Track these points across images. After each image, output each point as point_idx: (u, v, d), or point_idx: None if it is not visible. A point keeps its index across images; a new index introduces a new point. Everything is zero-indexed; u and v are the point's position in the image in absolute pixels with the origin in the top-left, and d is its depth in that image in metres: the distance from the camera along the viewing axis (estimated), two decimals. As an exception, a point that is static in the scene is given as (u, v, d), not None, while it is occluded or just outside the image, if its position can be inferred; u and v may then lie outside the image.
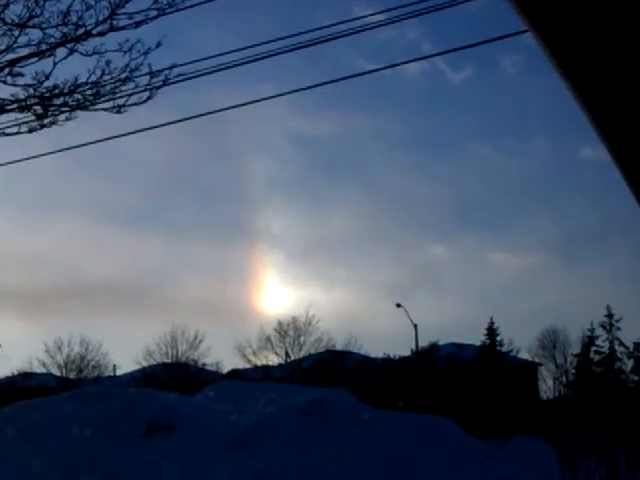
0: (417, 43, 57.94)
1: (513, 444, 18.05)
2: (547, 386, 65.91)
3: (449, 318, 79.87)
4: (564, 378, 64.24)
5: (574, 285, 75.84)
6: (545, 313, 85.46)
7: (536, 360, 65.15)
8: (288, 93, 20.89)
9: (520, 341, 70.22)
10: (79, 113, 19.64)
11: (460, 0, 15.52)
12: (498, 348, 59.53)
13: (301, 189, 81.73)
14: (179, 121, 20.57)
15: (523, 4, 1.29)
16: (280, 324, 63.10)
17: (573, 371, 61.82)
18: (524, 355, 63.43)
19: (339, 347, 62.07)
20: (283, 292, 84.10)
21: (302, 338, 62.79)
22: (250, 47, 17.14)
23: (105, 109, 19.44)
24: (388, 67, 24.62)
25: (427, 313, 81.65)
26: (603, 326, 58.11)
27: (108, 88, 19.27)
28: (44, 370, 63.93)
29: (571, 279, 77.07)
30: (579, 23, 1.27)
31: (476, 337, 60.58)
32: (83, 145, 20.52)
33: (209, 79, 18.06)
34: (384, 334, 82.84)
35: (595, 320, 58.20)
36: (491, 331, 59.49)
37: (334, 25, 17.14)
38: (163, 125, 20.06)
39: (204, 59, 17.75)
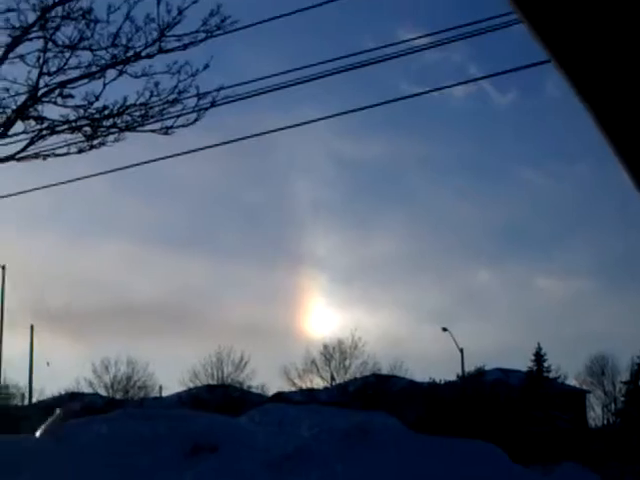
0: (463, 66, 57.71)
1: (559, 472, 17.86)
2: (596, 414, 65.18)
3: (495, 343, 79.21)
4: (613, 406, 63.50)
5: (623, 311, 75.11)
6: (593, 339, 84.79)
7: (584, 387, 64.45)
8: (334, 116, 20.91)
9: (568, 368, 69.25)
10: (127, 134, 19.79)
11: (503, 24, 15.46)
12: (545, 374, 58.94)
13: (346, 212, 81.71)
14: (225, 143, 20.64)
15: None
16: (326, 347, 63.04)
17: (622, 399, 61.10)
18: (572, 382, 62.82)
19: (385, 371, 61.89)
20: (328, 315, 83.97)
21: (348, 361, 62.67)
22: (296, 69, 17.20)
23: (153, 130, 19.55)
24: (433, 90, 24.51)
25: (473, 338, 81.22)
26: (653, 353, 57.52)
27: (156, 109, 19.40)
28: (91, 390, 64.33)
29: (620, 305, 76.32)
30: (577, 18, 1.27)
31: (523, 363, 60.02)
32: (131, 166, 20.68)
33: (256, 101, 18.12)
34: (430, 358, 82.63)
35: (646, 347, 57.58)
36: (538, 357, 58.93)
37: (379, 48, 17.17)
38: (209, 147, 20.15)
39: (251, 81, 17.85)
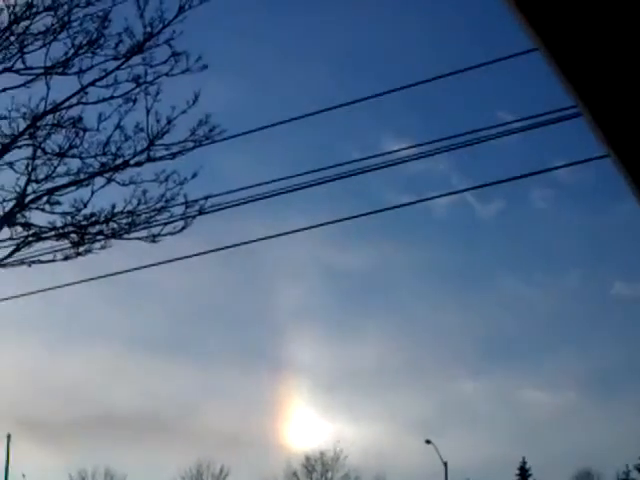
0: (447, 176, 58.36)
1: None
2: (581, 529, 64.18)
3: (480, 456, 77.98)
4: (599, 522, 62.58)
5: (608, 424, 74.20)
6: (579, 453, 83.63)
7: (570, 502, 63.65)
8: (320, 225, 20.99)
9: (554, 481, 68.53)
10: (114, 241, 19.72)
11: (486, 137, 15.68)
12: (531, 488, 58.29)
13: (330, 320, 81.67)
14: (212, 251, 20.61)
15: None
16: (307, 459, 62.40)
17: (608, 515, 60.27)
18: (558, 497, 61.99)
19: (368, 483, 61.01)
20: (311, 424, 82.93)
21: (330, 474, 61.93)
22: (283, 179, 17.29)
23: (140, 238, 19.50)
24: (419, 201, 24.77)
25: (457, 450, 79.98)
26: (638, 469, 57.13)
27: (143, 217, 19.38)
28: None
29: (605, 418, 75.57)
30: (578, 24, 1.26)
31: (508, 477, 59.37)
32: (117, 273, 20.58)
33: (243, 209, 18.16)
34: (413, 471, 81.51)
35: (630, 462, 57.17)
36: (522, 471, 58.48)
37: (365, 159, 17.33)
38: (196, 255, 20.13)
39: (238, 190, 17.91)
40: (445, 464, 55.75)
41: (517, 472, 58.38)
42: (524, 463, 58.52)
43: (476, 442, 75.81)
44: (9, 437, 53.41)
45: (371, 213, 19.35)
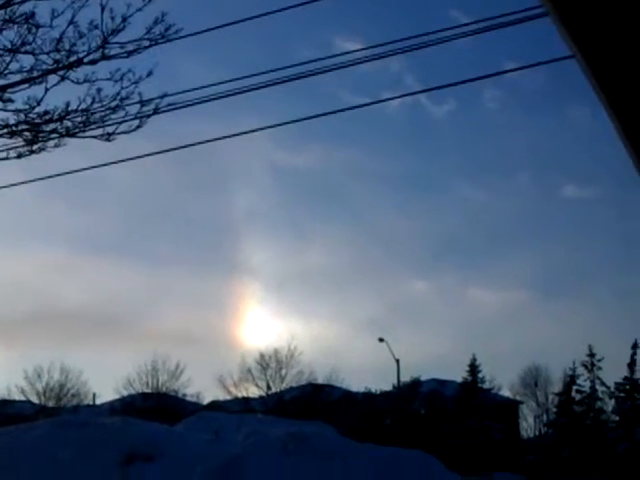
0: (399, 76, 58.10)
1: (495, 481, 18.12)
2: (528, 424, 66.00)
3: (431, 354, 79.65)
4: (545, 416, 64.34)
5: (556, 323, 75.94)
6: (527, 351, 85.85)
7: (517, 398, 65.23)
8: (272, 126, 21.10)
9: (502, 378, 69.97)
10: (68, 140, 19.72)
11: (439, 40, 15.74)
12: (480, 385, 59.55)
13: (282, 222, 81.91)
14: (165, 151, 20.60)
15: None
16: (262, 356, 63.02)
17: (554, 410, 61.78)
18: (505, 393, 63.51)
19: (321, 380, 62.03)
20: (264, 324, 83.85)
21: (284, 371, 62.69)
22: (237, 79, 17.35)
23: (94, 137, 19.49)
24: (371, 103, 24.80)
25: (409, 348, 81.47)
26: (585, 365, 58.22)
27: (98, 116, 19.32)
28: (23, 397, 63.65)
29: (553, 317, 77.27)
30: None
31: (458, 373, 60.58)
32: (68, 173, 20.61)
33: (197, 109, 18.17)
34: (366, 369, 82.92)
35: (577, 359, 58.33)
36: (473, 368, 59.52)
37: (318, 60, 17.36)
38: (149, 155, 20.16)
39: (193, 89, 17.88)
40: (397, 361, 56.78)
41: (467, 369, 59.55)
42: (474, 360, 59.63)
43: (427, 340, 77.32)
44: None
45: (322, 115, 19.38)
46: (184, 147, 20.64)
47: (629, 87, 1.23)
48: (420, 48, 16.06)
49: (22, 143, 19.58)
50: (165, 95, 18.87)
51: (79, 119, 19.40)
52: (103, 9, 18.73)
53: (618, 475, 20.20)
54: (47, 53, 19.12)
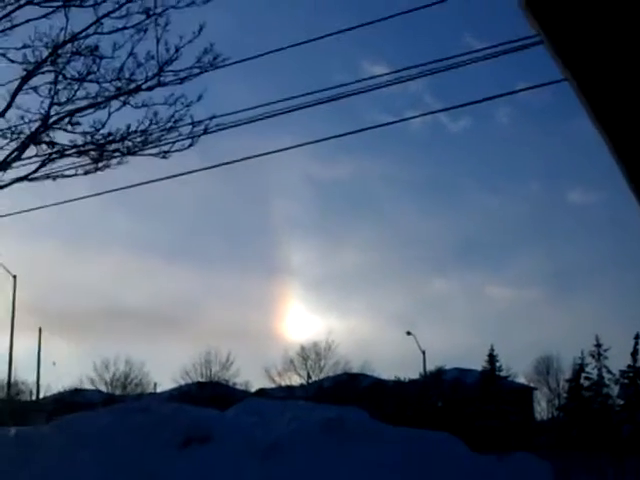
0: (420, 95, 57.79)
1: (513, 459, 17.88)
2: (541, 408, 65.40)
3: (454, 345, 79.44)
4: (557, 401, 63.70)
5: (566, 317, 75.48)
6: (540, 342, 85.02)
7: (532, 385, 64.66)
8: (309, 143, 21.26)
9: (517, 367, 69.51)
10: (129, 158, 19.77)
11: (458, 63, 15.63)
12: (497, 373, 59.13)
13: (318, 227, 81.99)
14: (215, 166, 20.71)
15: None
16: (302, 348, 63.13)
17: (565, 395, 61.27)
18: (521, 380, 63.02)
19: (355, 370, 61.95)
20: (305, 320, 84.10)
21: (322, 361, 62.75)
22: (278, 102, 17.41)
23: (152, 155, 19.55)
24: (396, 122, 24.72)
25: (434, 341, 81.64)
26: (592, 355, 57.73)
27: (155, 136, 19.39)
28: (93, 387, 64.05)
29: (563, 311, 76.75)
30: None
31: (478, 363, 60.19)
32: (131, 187, 20.68)
33: (242, 129, 18.22)
34: (395, 359, 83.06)
35: (585, 349, 57.84)
36: (491, 358, 59.13)
37: (350, 84, 17.41)
38: (201, 170, 20.20)
39: (239, 111, 17.94)
40: (423, 352, 56.54)
41: (486, 359, 59.21)
42: (492, 350, 59.22)
43: (450, 333, 77.03)
44: (40, 330, 53.86)
45: (353, 133, 19.37)
46: (231, 162, 20.64)
47: (617, 107, 1.20)
48: (439, 72, 15.99)
49: (89, 161, 19.67)
50: (214, 117, 18.91)
51: (138, 139, 19.46)
52: (158, 41, 18.82)
53: (622, 453, 19.95)
54: (110, 81, 19.21)
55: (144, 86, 19.15)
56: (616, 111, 1.19)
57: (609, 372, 57.81)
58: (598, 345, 57.43)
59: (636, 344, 56.11)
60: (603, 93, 1.19)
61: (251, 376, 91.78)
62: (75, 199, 20.78)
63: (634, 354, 56.54)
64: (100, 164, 19.68)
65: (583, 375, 58.39)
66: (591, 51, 1.17)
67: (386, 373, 64.17)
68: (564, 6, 1.18)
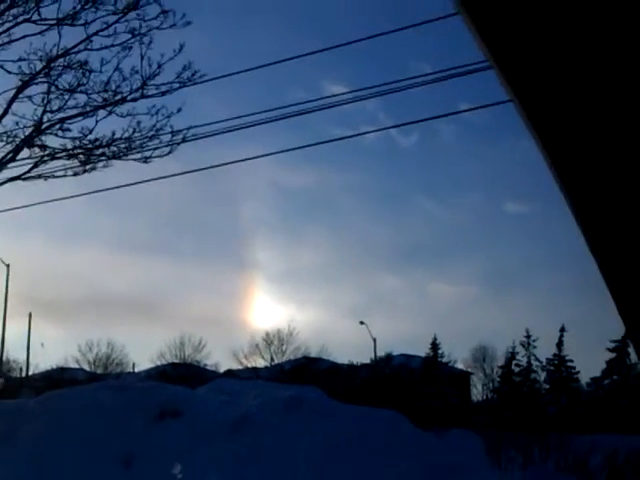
0: (374, 113, 57.88)
1: (450, 435, 18.06)
2: (477, 391, 65.92)
3: (401, 334, 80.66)
4: (491, 385, 64.25)
5: (501, 311, 76.21)
6: (477, 332, 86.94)
7: (469, 370, 65.12)
8: (274, 153, 21.53)
9: (457, 354, 70.05)
10: (114, 162, 19.67)
11: (409, 85, 15.76)
12: (439, 359, 59.57)
13: (282, 228, 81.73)
14: (190, 172, 20.68)
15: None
16: (267, 334, 63.12)
17: (498, 380, 61.85)
18: (459, 365, 63.44)
19: (313, 354, 62.01)
20: (269, 309, 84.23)
21: (284, 346, 62.75)
22: (246, 115, 17.54)
23: (135, 159, 19.47)
24: (352, 136, 24.84)
25: (384, 330, 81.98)
26: (523, 345, 58.37)
27: (138, 143, 19.32)
28: (77, 366, 63.56)
29: (498, 306, 77.36)
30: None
31: (422, 350, 60.66)
32: (115, 188, 20.57)
33: (215, 139, 18.23)
34: (349, 345, 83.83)
35: (517, 339, 58.53)
36: (434, 346, 59.56)
37: (310, 101, 17.60)
38: (178, 174, 20.16)
39: (213, 123, 17.96)
40: (374, 340, 56.75)
41: (430, 346, 59.59)
42: (435, 339, 59.63)
43: (398, 323, 77.37)
44: (30, 315, 53.33)
45: (314, 145, 19.58)
46: (206, 168, 20.68)
47: (560, 130, 1.19)
48: (392, 92, 16.11)
49: (77, 164, 19.56)
50: (191, 127, 18.89)
51: (122, 145, 19.39)
52: (142, 58, 18.80)
53: (547, 431, 20.29)
54: (97, 92, 19.13)
55: (129, 98, 19.10)
56: (551, 118, 1.18)
57: (537, 360, 58.51)
58: (528, 336, 58.11)
59: (561, 336, 56.89)
60: (544, 113, 1.18)
61: (220, 358, 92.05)
62: (64, 198, 20.66)
63: (559, 344, 57.31)
64: (87, 166, 19.59)
65: (514, 362, 59.02)
66: (535, 74, 1.13)
67: (341, 358, 64.49)
68: (497, 5, 1.13)
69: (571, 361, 57.76)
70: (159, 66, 18.84)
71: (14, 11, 18.28)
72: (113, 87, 18.99)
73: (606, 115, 1.17)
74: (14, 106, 18.98)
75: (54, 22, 18.34)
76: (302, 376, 51.91)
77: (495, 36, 1.11)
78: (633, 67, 1.09)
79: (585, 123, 1.17)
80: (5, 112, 18.94)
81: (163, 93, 19.11)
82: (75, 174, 19.53)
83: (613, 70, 1.11)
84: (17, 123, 19.05)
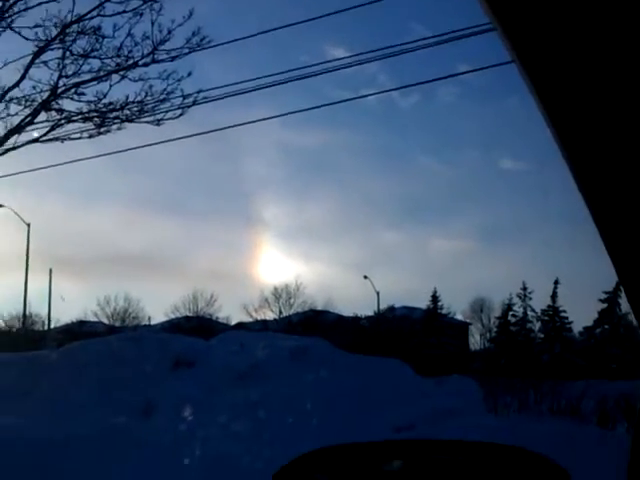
0: (375, 75, 57.29)
1: (450, 381, 18.21)
2: (475, 340, 66.31)
3: (403, 288, 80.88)
4: (488, 335, 64.61)
5: (498, 264, 76.04)
6: (475, 285, 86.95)
7: (467, 321, 65.47)
8: (281, 115, 21.45)
9: (456, 306, 69.99)
10: (127, 125, 19.61)
11: (408, 49, 15.62)
12: (439, 311, 59.83)
13: (288, 186, 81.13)
14: (202, 133, 20.79)
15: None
16: (275, 289, 63.37)
17: (495, 330, 62.20)
18: (458, 317, 63.72)
19: (319, 307, 62.28)
20: (277, 264, 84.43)
21: (292, 300, 63.00)
22: (254, 79, 17.56)
23: (147, 122, 19.41)
24: (355, 98, 24.64)
25: (387, 283, 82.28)
26: (519, 296, 58.60)
27: (150, 106, 19.23)
28: (96, 319, 63.99)
29: (495, 260, 77.44)
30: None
31: (423, 302, 60.91)
32: (128, 150, 20.64)
33: (224, 101, 18.25)
34: (354, 299, 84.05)
35: (513, 292, 58.76)
36: (434, 298, 59.78)
37: (315, 65, 17.57)
38: (188, 136, 20.19)
39: (221, 86, 17.94)
40: (378, 293, 57.01)
41: (430, 299, 59.80)
42: (435, 292, 59.83)
43: (400, 277, 77.57)
44: (51, 271, 53.56)
45: (318, 107, 19.60)
46: (215, 130, 20.71)
47: (563, 91, 1.16)
48: (392, 56, 15.98)
49: (92, 127, 19.50)
50: (200, 91, 18.88)
51: (135, 109, 19.30)
52: (153, 24, 18.61)
53: (541, 378, 20.45)
54: (110, 57, 18.98)
55: (140, 62, 18.95)
56: (553, 78, 1.14)
57: (532, 311, 58.76)
58: (524, 288, 58.30)
59: (555, 288, 57.00)
60: (547, 76, 1.14)
61: (231, 311, 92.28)
62: (80, 159, 20.77)
63: (553, 296, 57.46)
64: (102, 129, 19.54)
65: (510, 313, 59.27)
66: (539, 34, 1.09)
67: (346, 310, 64.64)
68: None
69: (564, 312, 57.98)
70: (169, 32, 18.67)
71: (29, -22, 18.07)
72: (125, 52, 18.84)
73: (609, 78, 1.15)
74: (31, 71, 18.88)
75: (68, -11, 18.16)
76: (309, 328, 52.25)
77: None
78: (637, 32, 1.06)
79: (587, 83, 1.15)
80: (22, 77, 18.83)
81: (173, 58, 18.98)
82: (90, 136, 19.50)
83: (616, 35, 1.07)
84: (34, 87, 18.97)
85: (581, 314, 78.94)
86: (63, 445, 12.11)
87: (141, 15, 18.52)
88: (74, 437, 12.49)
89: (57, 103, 19.33)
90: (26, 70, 18.79)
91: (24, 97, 19.01)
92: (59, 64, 18.91)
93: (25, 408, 14.99)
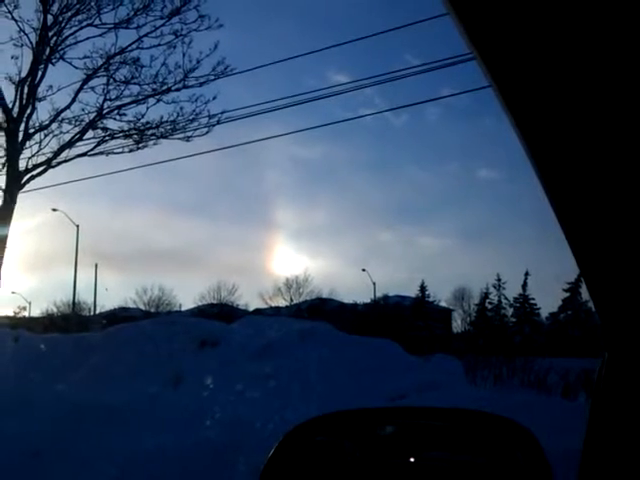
0: (371, 97, 57.36)
1: (435, 359, 18.21)
2: (457, 324, 66.21)
3: (396, 279, 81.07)
4: (468, 319, 64.60)
5: (477, 259, 76.13)
6: (458, 277, 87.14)
7: (451, 307, 65.43)
8: (290, 133, 21.57)
9: (441, 295, 70.71)
10: (162, 141, 19.67)
11: (400, 76, 15.60)
12: (426, 299, 59.86)
13: (297, 192, 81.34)
14: (225, 148, 20.85)
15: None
16: (287, 280, 63.55)
17: (474, 315, 62.18)
18: (443, 304, 63.74)
19: (324, 296, 62.41)
20: (289, 259, 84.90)
21: (301, 289, 63.11)
22: (268, 102, 17.67)
23: (179, 138, 19.46)
24: (354, 118, 24.65)
25: (382, 275, 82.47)
26: (494, 286, 58.79)
27: (181, 125, 19.27)
28: (134, 306, 64.17)
29: (475, 255, 77.44)
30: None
31: (412, 291, 61.05)
32: (162, 162, 20.68)
33: (243, 121, 18.37)
34: (354, 288, 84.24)
35: (489, 282, 58.85)
36: (422, 288, 59.87)
37: (319, 90, 17.62)
38: (214, 150, 20.22)
39: (242, 108, 18.04)
40: (374, 284, 56.99)
41: (419, 288, 59.91)
42: (423, 283, 59.92)
43: (393, 270, 77.74)
44: (96, 265, 53.68)
45: (322, 126, 19.68)
46: (236, 145, 20.76)
47: (532, 111, 1.13)
48: (387, 81, 15.98)
49: (132, 143, 19.52)
50: (224, 111, 18.91)
51: (169, 127, 19.32)
52: (184, 55, 18.72)
53: (513, 356, 20.44)
54: (147, 84, 19.02)
55: (173, 88, 19.01)
56: (527, 102, 1.12)
57: (506, 299, 58.89)
58: (499, 279, 58.42)
59: (525, 279, 57.10)
60: (518, 96, 1.11)
61: (249, 299, 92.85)
62: (122, 170, 20.84)
63: (524, 286, 57.56)
64: (140, 145, 19.58)
65: (487, 301, 59.39)
66: (506, 43, 1.03)
67: (347, 298, 64.92)
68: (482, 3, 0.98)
69: (533, 299, 58.07)
70: (198, 62, 18.75)
71: (79, 17, 18.32)
72: (160, 79, 18.90)
73: (582, 101, 1.13)
74: (80, 95, 18.97)
75: (112, 26, 18.27)
76: (315, 313, 52.31)
77: (478, 30, 1.02)
78: (611, 54, 1.02)
79: (551, 104, 1.13)
80: (73, 100, 18.95)
81: (201, 84, 19.04)
82: (130, 151, 19.55)
83: (591, 58, 1.03)
84: (83, 109, 19.04)
85: (548, 301, 79.05)
86: (107, 409, 12.18)
87: (174, 47, 18.63)
88: (116, 402, 12.54)
89: (102, 123, 19.40)
90: (76, 94, 18.88)
91: (74, 117, 19.10)
92: (104, 89, 18.99)
93: (76, 379, 15.01)
